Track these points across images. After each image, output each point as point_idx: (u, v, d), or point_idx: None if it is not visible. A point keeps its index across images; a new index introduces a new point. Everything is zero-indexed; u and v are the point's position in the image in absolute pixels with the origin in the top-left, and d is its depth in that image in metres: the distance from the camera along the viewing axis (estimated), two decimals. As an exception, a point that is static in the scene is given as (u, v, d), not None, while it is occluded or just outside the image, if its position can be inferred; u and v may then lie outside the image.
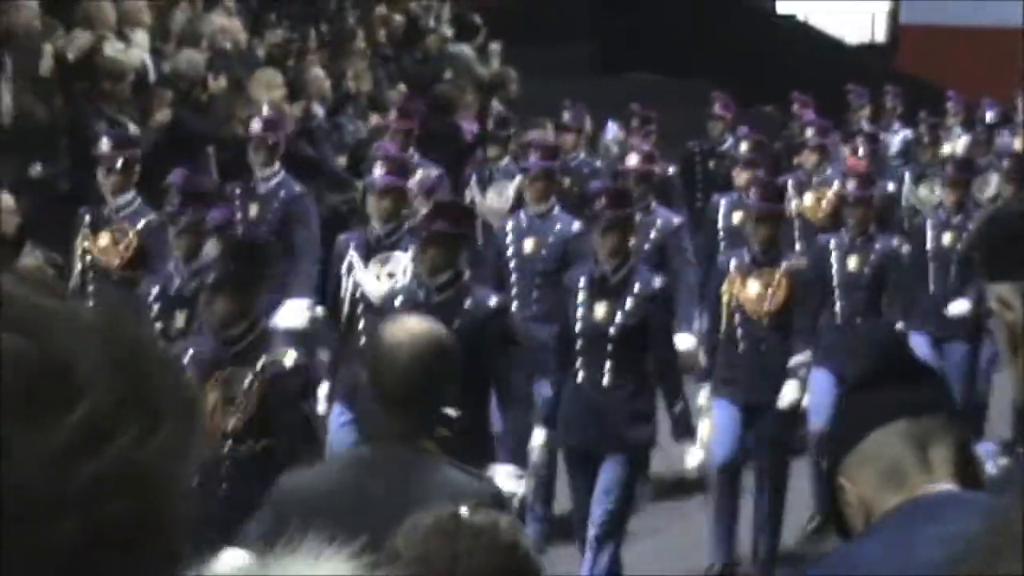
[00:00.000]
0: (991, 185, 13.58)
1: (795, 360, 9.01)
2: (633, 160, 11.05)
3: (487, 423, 7.41)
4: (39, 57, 11.48)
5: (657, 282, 8.34)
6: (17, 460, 0.96)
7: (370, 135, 13.54)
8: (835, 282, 10.02)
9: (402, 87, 14.78)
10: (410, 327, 4.38)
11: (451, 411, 4.71)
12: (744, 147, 12.53)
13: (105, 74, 11.63)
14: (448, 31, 16.63)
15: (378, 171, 9.17)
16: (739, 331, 9.08)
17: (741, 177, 11.92)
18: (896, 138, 16.74)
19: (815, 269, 9.66)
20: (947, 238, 11.35)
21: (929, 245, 11.33)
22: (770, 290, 9.01)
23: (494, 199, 12.08)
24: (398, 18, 16.13)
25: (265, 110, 11.33)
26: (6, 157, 10.74)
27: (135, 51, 12.44)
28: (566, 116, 13.33)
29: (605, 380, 8.21)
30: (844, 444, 2.79)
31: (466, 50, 16.39)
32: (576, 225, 9.75)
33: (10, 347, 0.98)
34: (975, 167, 12.45)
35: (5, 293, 1.01)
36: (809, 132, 13.20)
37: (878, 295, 10.10)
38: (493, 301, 7.58)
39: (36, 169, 10.97)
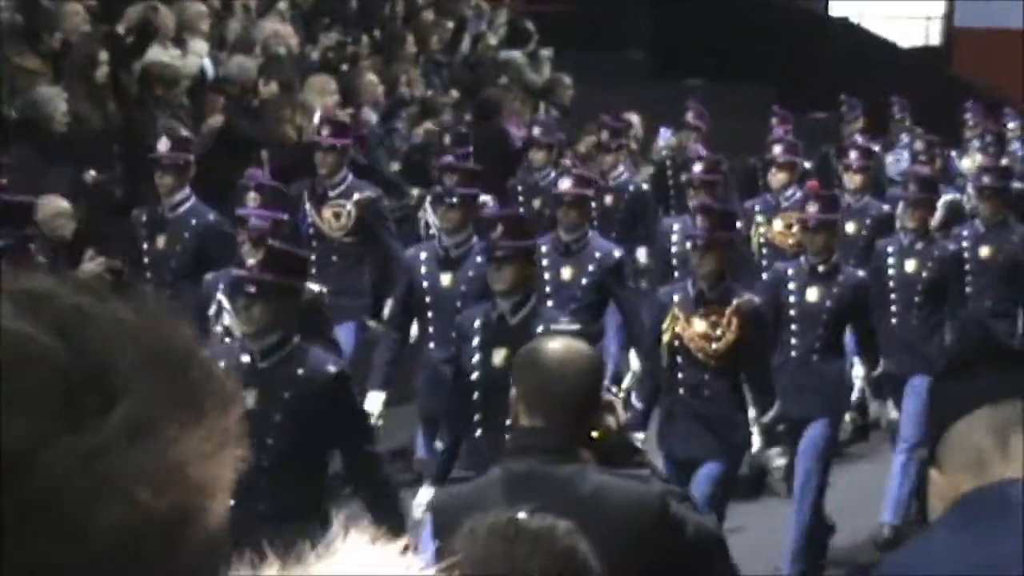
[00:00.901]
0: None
1: (767, 417, 8.25)
2: (566, 183, 9.79)
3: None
4: (95, 64, 11.53)
5: (564, 322, 7.49)
6: (56, 459, 0.96)
7: (424, 141, 13.54)
8: (792, 314, 9.12)
9: (454, 93, 14.76)
10: (571, 346, 4.46)
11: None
12: (698, 168, 11.09)
13: (158, 80, 11.67)
14: (496, 38, 16.60)
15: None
16: (680, 375, 8.23)
17: (776, 178, 11.72)
18: (892, 155, 15.75)
19: (769, 302, 8.86)
20: (910, 265, 10.27)
21: (891, 272, 10.27)
22: (719, 330, 8.10)
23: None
24: (449, 24, 16.13)
25: (318, 115, 11.36)
26: (62, 163, 10.77)
27: (192, 58, 12.50)
28: (604, 135, 12.82)
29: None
30: (935, 434, 2.75)
31: (517, 56, 16.37)
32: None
33: (45, 347, 0.98)
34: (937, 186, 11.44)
35: (45, 294, 1.01)
36: (777, 149, 11.99)
37: (839, 331, 9.25)
38: (332, 368, 6.45)
39: (90, 175, 11.01)
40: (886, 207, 11.92)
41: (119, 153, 11.48)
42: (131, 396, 0.98)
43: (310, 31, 14.30)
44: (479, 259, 8.75)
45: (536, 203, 12.26)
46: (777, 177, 11.64)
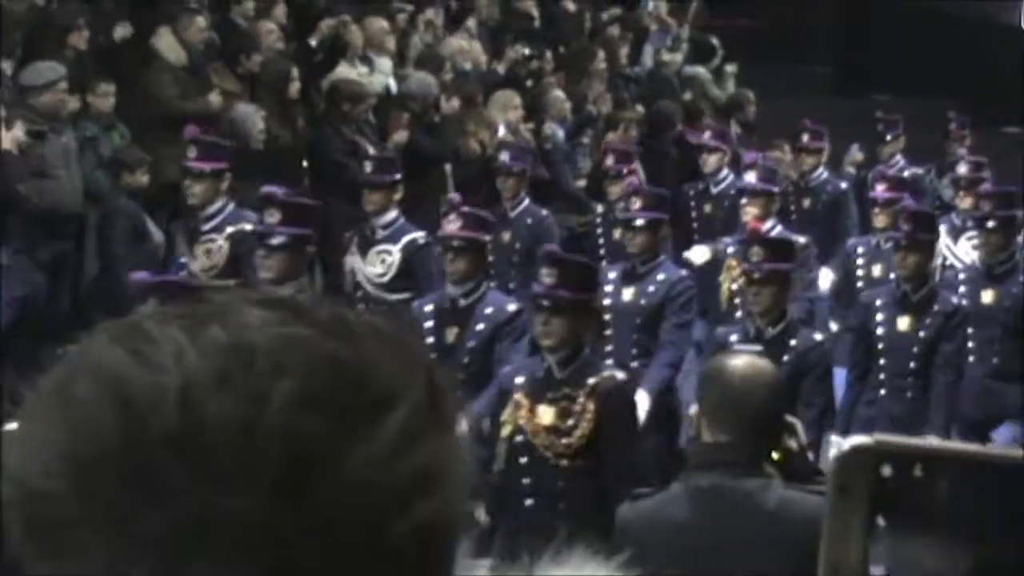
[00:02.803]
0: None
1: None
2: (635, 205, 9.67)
3: None
4: (288, 80, 11.73)
5: (511, 307, 8.05)
6: (350, 462, 0.98)
7: (602, 154, 13.55)
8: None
9: (639, 108, 14.74)
10: (754, 362, 4.50)
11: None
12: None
13: (345, 96, 11.83)
14: (680, 54, 16.55)
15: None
16: (525, 480, 6.68)
17: (965, 201, 11.32)
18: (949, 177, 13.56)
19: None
20: (903, 323, 8.86)
21: (880, 331, 8.83)
22: (570, 420, 6.58)
23: None
24: (631, 39, 16.12)
25: (502, 132, 11.44)
26: (253, 178, 10.95)
27: (378, 75, 12.64)
28: (805, 138, 13.04)
29: None
30: None
31: (702, 72, 16.31)
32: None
33: (329, 350, 1.00)
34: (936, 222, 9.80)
35: (301, 303, 1.04)
36: (963, 168, 11.59)
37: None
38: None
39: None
40: None
41: (307, 169, 11.66)
42: (403, 402, 1.00)
43: (497, 46, 14.37)
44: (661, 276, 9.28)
45: (707, 208, 12.22)
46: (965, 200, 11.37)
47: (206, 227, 9.16)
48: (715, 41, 16.98)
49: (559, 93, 13.74)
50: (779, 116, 14.96)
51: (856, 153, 15.09)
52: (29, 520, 0.99)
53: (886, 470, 1.03)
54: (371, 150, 11.66)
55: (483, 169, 11.86)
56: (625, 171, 11.87)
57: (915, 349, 8.84)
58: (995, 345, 9.48)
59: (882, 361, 8.88)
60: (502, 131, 12.24)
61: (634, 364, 8.80)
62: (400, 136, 11.86)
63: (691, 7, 17.67)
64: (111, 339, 1.01)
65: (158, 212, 10.73)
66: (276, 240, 7.92)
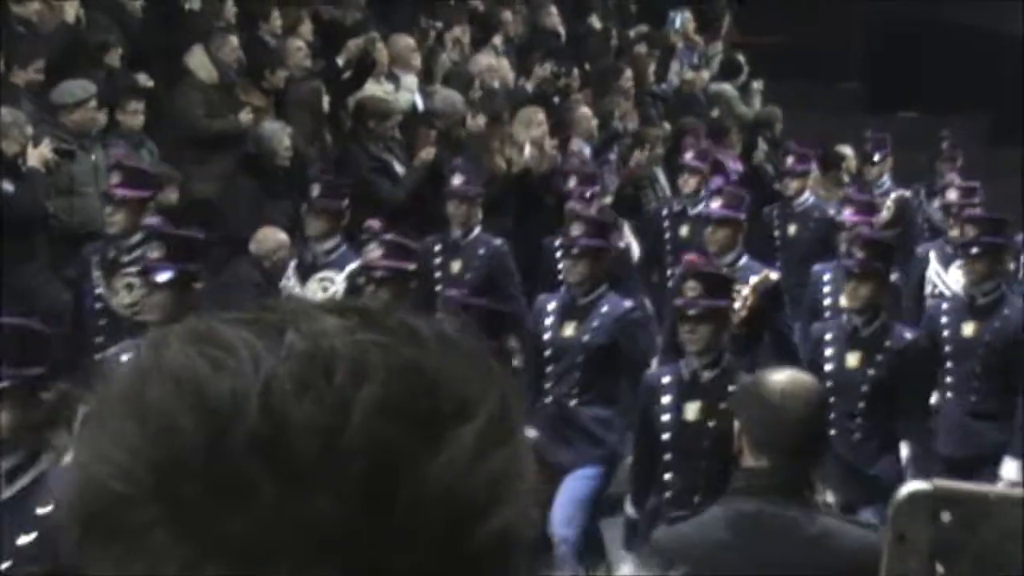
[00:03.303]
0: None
1: None
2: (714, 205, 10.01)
3: None
4: (320, 97, 11.76)
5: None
6: (428, 469, 0.99)
7: (628, 173, 13.54)
8: (666, 436, 7.53)
9: (667, 126, 14.73)
10: (795, 378, 4.31)
11: None
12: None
13: (371, 114, 11.84)
14: (708, 71, 16.55)
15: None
16: None
17: (954, 229, 10.56)
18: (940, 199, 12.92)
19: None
20: (852, 359, 8.31)
21: (828, 367, 8.24)
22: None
23: None
24: (658, 56, 16.12)
25: (528, 150, 11.43)
26: (281, 196, 10.98)
27: (404, 93, 12.65)
28: (790, 160, 12.61)
29: None
30: None
31: (728, 89, 16.30)
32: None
33: (405, 356, 1.01)
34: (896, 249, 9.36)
35: (369, 309, 1.05)
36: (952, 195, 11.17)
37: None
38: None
39: (305, 208, 11.18)
40: None
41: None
42: (480, 409, 1.01)
43: (523, 64, 14.38)
44: None
45: (683, 231, 11.93)
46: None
47: (127, 258, 8.66)
48: (742, 58, 16.97)
49: (586, 110, 13.74)
50: (807, 133, 14.92)
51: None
52: (100, 522, 1.00)
53: (945, 516, 1.02)
54: (398, 167, 11.67)
55: (510, 187, 11.85)
56: (702, 166, 12.04)
57: (864, 388, 8.20)
58: (975, 382, 8.77)
59: (830, 400, 8.10)
60: (528, 149, 12.23)
61: (572, 403, 8.55)
62: (427, 153, 11.86)
63: (725, 23, 17.68)
64: (184, 345, 1.02)
65: (186, 230, 10.73)
66: (160, 277, 7.25)
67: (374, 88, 12.42)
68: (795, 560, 4.06)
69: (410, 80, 12.87)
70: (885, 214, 12.50)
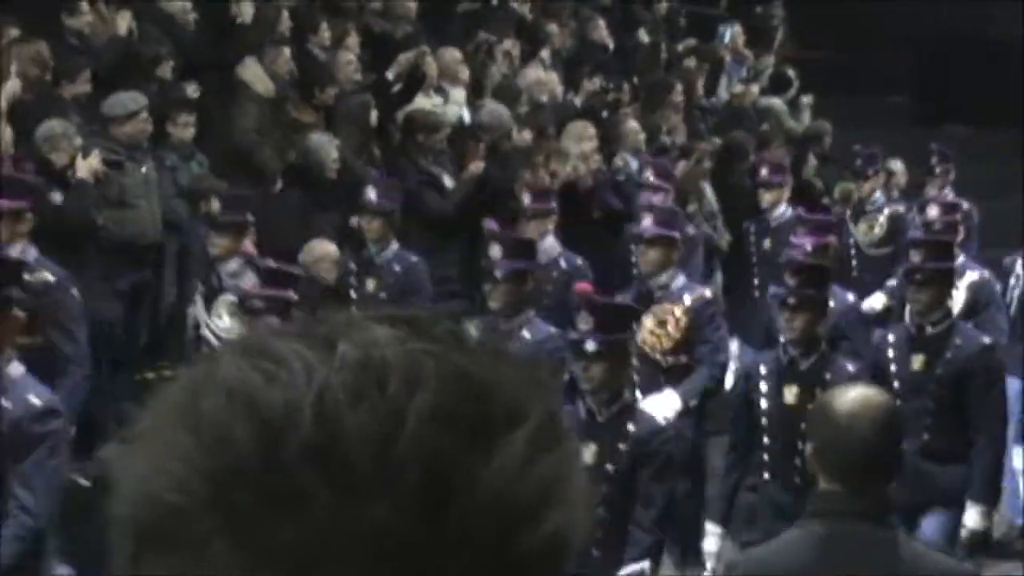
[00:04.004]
0: None
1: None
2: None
3: None
4: (369, 111, 11.80)
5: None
6: (479, 477, 1.00)
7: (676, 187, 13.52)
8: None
9: (716, 140, 14.72)
10: (863, 395, 4.17)
11: None
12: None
13: (420, 127, 11.87)
14: (758, 85, 16.52)
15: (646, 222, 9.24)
16: None
17: None
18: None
19: None
20: (789, 395, 7.75)
21: (763, 404, 7.87)
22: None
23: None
24: (707, 70, 16.12)
25: (573, 164, 11.44)
26: (329, 208, 11.01)
27: (452, 107, 12.68)
28: (764, 171, 12.44)
29: None
30: None
31: (777, 103, 16.28)
32: None
33: (456, 364, 1.02)
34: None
35: (418, 318, 1.06)
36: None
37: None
38: None
39: (354, 221, 11.23)
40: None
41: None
42: (530, 415, 1.02)
43: (572, 77, 14.39)
44: None
45: (766, 243, 12.01)
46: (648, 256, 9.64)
47: (228, 283, 8.97)
48: (791, 72, 16.94)
49: (634, 124, 13.74)
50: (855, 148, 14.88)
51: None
52: (156, 535, 1.01)
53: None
54: (447, 180, 11.69)
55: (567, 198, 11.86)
56: (778, 180, 11.94)
57: (803, 426, 7.53)
58: (926, 419, 8.00)
59: (765, 440, 7.65)
60: (573, 163, 12.24)
61: None
62: (476, 167, 11.89)
63: (777, 37, 17.65)
64: (235, 358, 1.03)
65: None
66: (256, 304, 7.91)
67: (423, 101, 12.46)
68: None
69: (458, 93, 12.90)
70: (878, 231, 12.35)
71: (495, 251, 8.70)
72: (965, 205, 12.82)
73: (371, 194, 10.06)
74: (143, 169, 10.48)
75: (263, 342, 1.04)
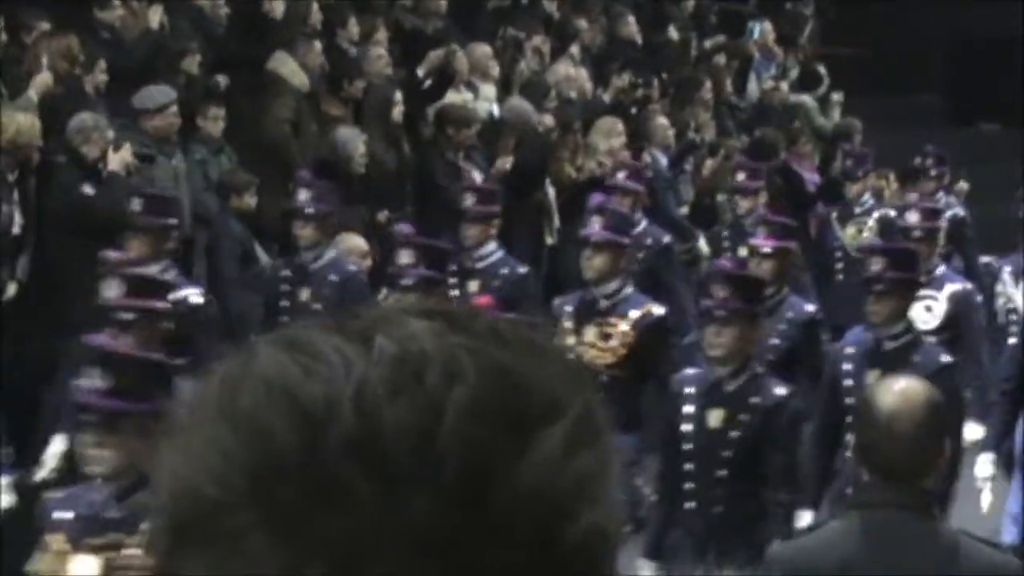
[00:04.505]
0: None
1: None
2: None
3: None
4: (390, 105, 11.80)
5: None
6: (515, 472, 0.99)
7: (704, 183, 13.53)
8: None
9: (744, 137, 14.71)
10: (905, 390, 4.14)
11: None
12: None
13: (451, 121, 11.88)
14: (787, 82, 16.50)
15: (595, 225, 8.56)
16: None
17: None
18: None
19: None
20: (715, 418, 7.13)
21: (685, 427, 7.12)
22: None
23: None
24: (736, 67, 16.10)
25: (599, 159, 11.41)
26: (358, 203, 11.02)
27: (482, 103, 12.68)
28: (741, 176, 12.13)
29: None
30: None
31: (808, 100, 16.25)
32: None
33: (496, 359, 1.02)
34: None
35: (461, 313, 1.06)
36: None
37: None
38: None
39: (383, 214, 11.23)
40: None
41: (411, 194, 11.70)
42: (568, 410, 1.02)
43: (601, 73, 14.39)
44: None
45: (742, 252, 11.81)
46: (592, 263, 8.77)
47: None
48: (822, 70, 16.91)
49: (663, 120, 13.73)
50: (886, 145, 14.85)
51: (962, 184, 14.94)
52: (195, 529, 1.01)
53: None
54: (477, 176, 11.69)
55: (578, 194, 11.84)
56: (755, 187, 11.70)
57: (726, 453, 6.94)
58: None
59: (688, 466, 7.04)
60: (600, 157, 12.22)
61: None
62: (504, 162, 11.89)
63: (805, 33, 17.61)
64: (275, 352, 1.03)
65: (266, 234, 10.81)
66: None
67: (453, 97, 12.47)
68: (929, 573, 3.99)
69: (488, 89, 12.91)
70: (866, 234, 12.02)
71: (404, 257, 8.31)
72: (958, 212, 12.57)
73: (301, 195, 9.29)
74: (173, 162, 10.50)
75: (301, 336, 1.04)
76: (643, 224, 10.70)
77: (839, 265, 12.05)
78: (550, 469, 1.00)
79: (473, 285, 9.38)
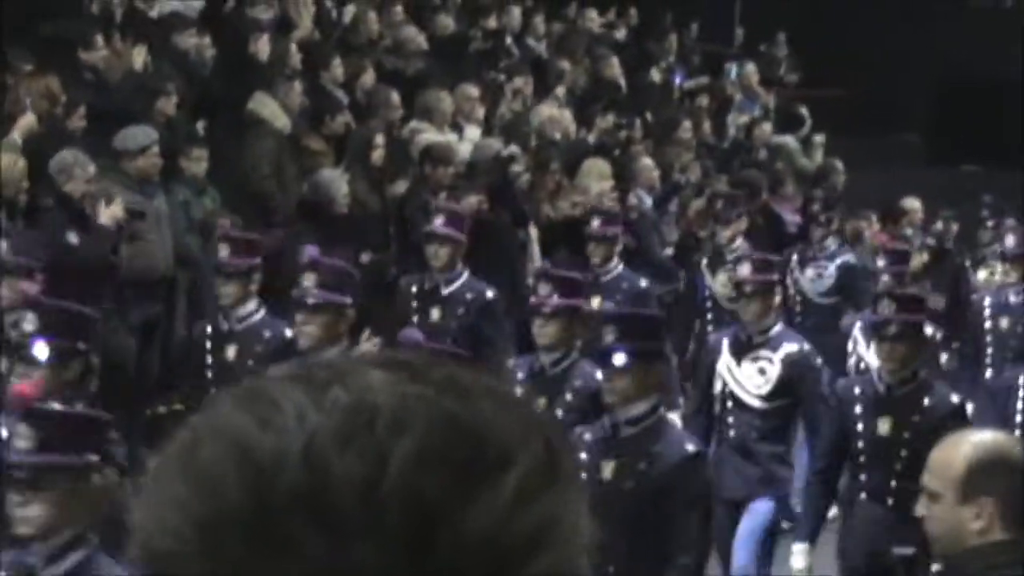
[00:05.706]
0: None
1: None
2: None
3: None
4: (372, 147, 11.79)
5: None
6: (464, 520, 1.01)
7: (687, 223, 13.54)
8: None
9: (725, 179, 14.74)
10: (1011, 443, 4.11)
11: None
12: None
13: (431, 157, 11.86)
14: (768, 123, 16.56)
15: None
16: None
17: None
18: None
19: None
20: (608, 470, 6.53)
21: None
22: None
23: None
24: (716, 108, 16.16)
25: (581, 199, 11.38)
26: (341, 243, 11.01)
27: (466, 144, 12.69)
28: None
29: None
30: None
31: (790, 141, 16.31)
32: None
33: (448, 409, 1.03)
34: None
35: (420, 363, 1.07)
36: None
37: None
38: None
39: (365, 256, 11.21)
40: None
41: (394, 234, 11.69)
42: (521, 459, 1.03)
43: (584, 115, 14.42)
44: None
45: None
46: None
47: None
48: (804, 111, 16.97)
49: (648, 161, 13.76)
50: (868, 185, 14.91)
51: (939, 224, 15.01)
52: None
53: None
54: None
55: (560, 236, 11.85)
56: (737, 214, 11.75)
57: (619, 508, 6.36)
58: (892, 481, 7.38)
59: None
60: (580, 199, 12.23)
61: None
62: (471, 201, 11.80)
63: (781, 74, 17.69)
64: (235, 404, 1.05)
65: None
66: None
67: (437, 137, 12.48)
68: None
69: (472, 130, 12.92)
70: (827, 280, 11.77)
71: (309, 280, 7.94)
72: (848, 259, 12.03)
73: (223, 253, 8.64)
74: (155, 203, 10.49)
75: (261, 387, 1.06)
76: (619, 270, 10.65)
77: (798, 308, 11.75)
78: (500, 516, 1.01)
79: (435, 313, 9.31)
